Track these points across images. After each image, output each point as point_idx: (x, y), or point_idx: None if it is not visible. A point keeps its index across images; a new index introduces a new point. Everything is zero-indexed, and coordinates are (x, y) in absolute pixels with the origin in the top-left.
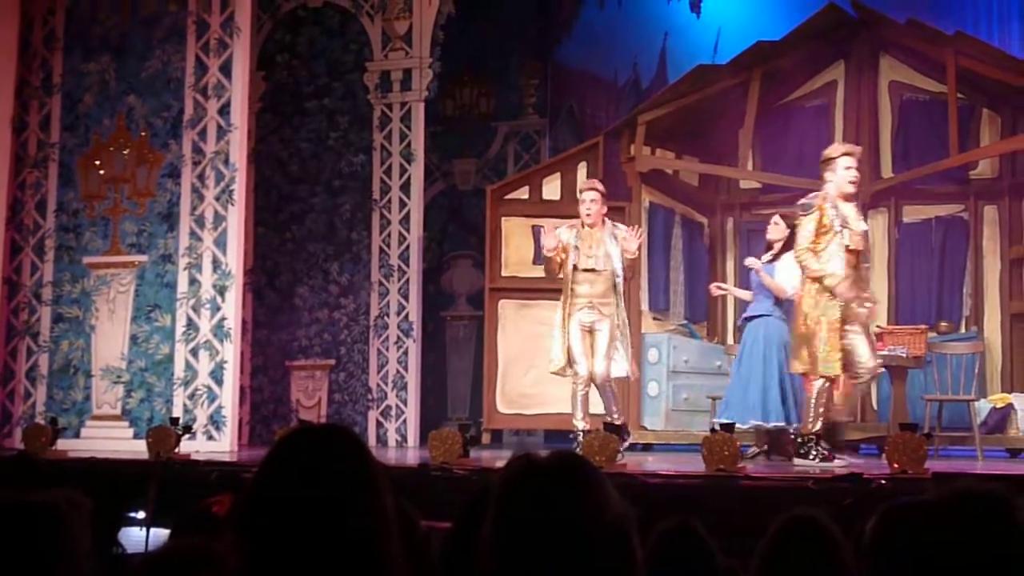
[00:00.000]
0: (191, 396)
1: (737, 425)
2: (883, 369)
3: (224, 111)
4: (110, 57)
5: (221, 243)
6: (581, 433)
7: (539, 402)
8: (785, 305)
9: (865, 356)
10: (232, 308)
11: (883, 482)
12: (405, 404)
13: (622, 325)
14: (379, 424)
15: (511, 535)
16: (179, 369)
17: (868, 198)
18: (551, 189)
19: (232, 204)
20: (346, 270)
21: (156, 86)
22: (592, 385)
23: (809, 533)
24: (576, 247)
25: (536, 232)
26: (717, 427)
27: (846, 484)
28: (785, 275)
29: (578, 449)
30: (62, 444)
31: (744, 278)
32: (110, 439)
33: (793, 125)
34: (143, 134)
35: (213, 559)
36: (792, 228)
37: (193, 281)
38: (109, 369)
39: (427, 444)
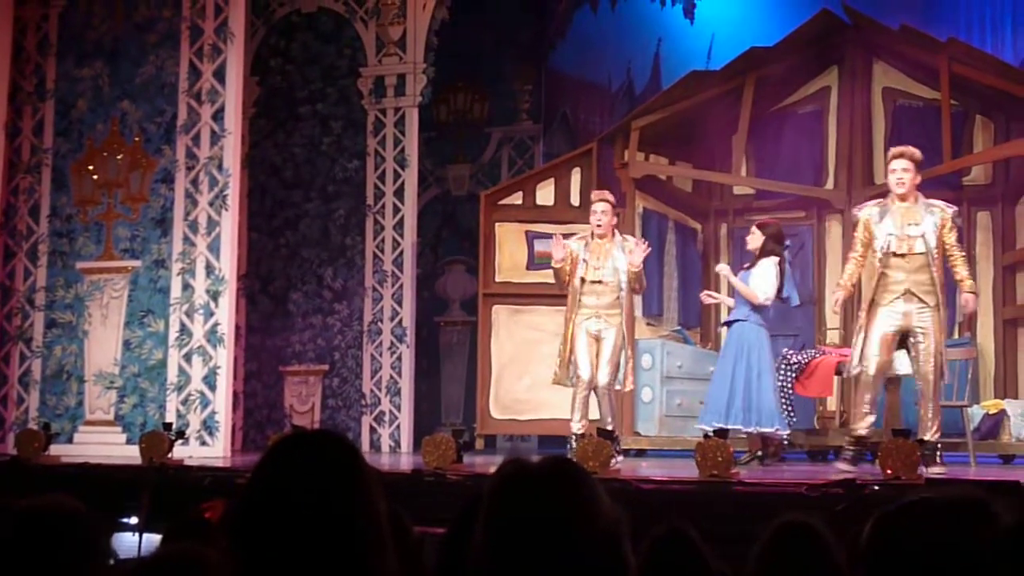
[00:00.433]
0: (184, 401)
1: (701, 426)
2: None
3: (218, 116)
4: (104, 62)
5: (215, 248)
6: (575, 436)
7: (533, 408)
8: (766, 311)
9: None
10: (225, 313)
11: (876, 488)
12: (399, 410)
13: (624, 337)
14: (372, 430)
15: (501, 541)
16: (172, 374)
17: (861, 204)
18: (545, 195)
19: (226, 209)
20: (340, 275)
21: (150, 91)
22: (593, 391)
23: (803, 539)
24: (584, 260)
25: (530, 239)
26: (709, 432)
27: (839, 490)
28: (758, 281)
29: (571, 454)
30: (55, 449)
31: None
32: (103, 444)
33: (786, 131)
34: (137, 139)
35: (205, 564)
36: (775, 236)
37: (186, 286)
38: (102, 374)
39: (421, 450)
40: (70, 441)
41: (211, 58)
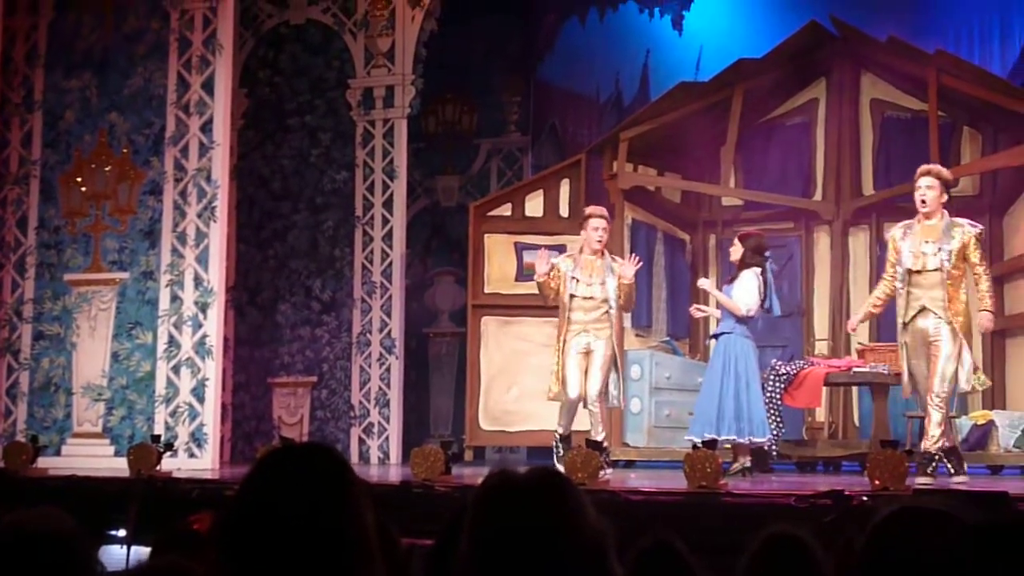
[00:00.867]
0: (172, 413)
1: (691, 438)
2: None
3: (206, 128)
4: (92, 74)
5: (203, 260)
6: (559, 439)
7: (521, 419)
8: (752, 323)
9: None
10: (214, 325)
11: (864, 499)
12: (387, 421)
13: (615, 350)
14: (361, 441)
15: (487, 552)
16: (160, 386)
17: (849, 215)
18: (534, 206)
19: (214, 221)
20: (328, 287)
21: (138, 103)
22: (583, 403)
23: (791, 550)
24: (575, 277)
25: (519, 250)
26: (698, 444)
27: (828, 501)
28: (740, 294)
29: (558, 458)
30: (43, 462)
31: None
32: (91, 457)
33: (775, 142)
34: (125, 151)
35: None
36: (756, 248)
37: (175, 298)
38: (90, 387)
39: (409, 461)
40: (58, 453)
41: (199, 70)
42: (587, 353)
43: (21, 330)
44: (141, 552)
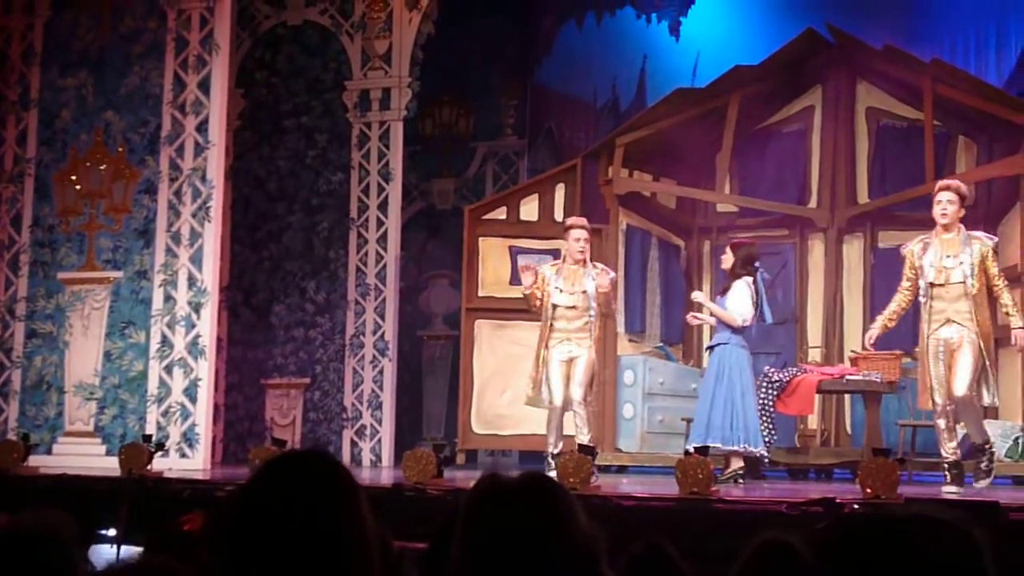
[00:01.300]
0: (164, 413)
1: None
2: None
3: (202, 128)
4: (88, 72)
5: (197, 260)
6: (552, 457)
7: (514, 423)
8: (747, 332)
9: None
10: (207, 325)
11: (856, 507)
12: (380, 423)
13: (594, 358)
14: (354, 443)
15: (478, 556)
16: (153, 386)
17: (844, 223)
18: (529, 210)
19: (208, 221)
20: (323, 288)
21: (134, 102)
22: (568, 410)
23: (782, 558)
24: (558, 287)
25: (514, 254)
26: (691, 450)
27: (819, 508)
28: (734, 304)
29: (550, 471)
30: (34, 460)
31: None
32: (82, 456)
33: (771, 149)
34: (120, 150)
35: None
36: (748, 258)
37: (168, 298)
38: (82, 385)
39: (401, 464)
40: (49, 452)
41: (196, 69)
42: (570, 361)
43: (14, 328)
44: (131, 552)
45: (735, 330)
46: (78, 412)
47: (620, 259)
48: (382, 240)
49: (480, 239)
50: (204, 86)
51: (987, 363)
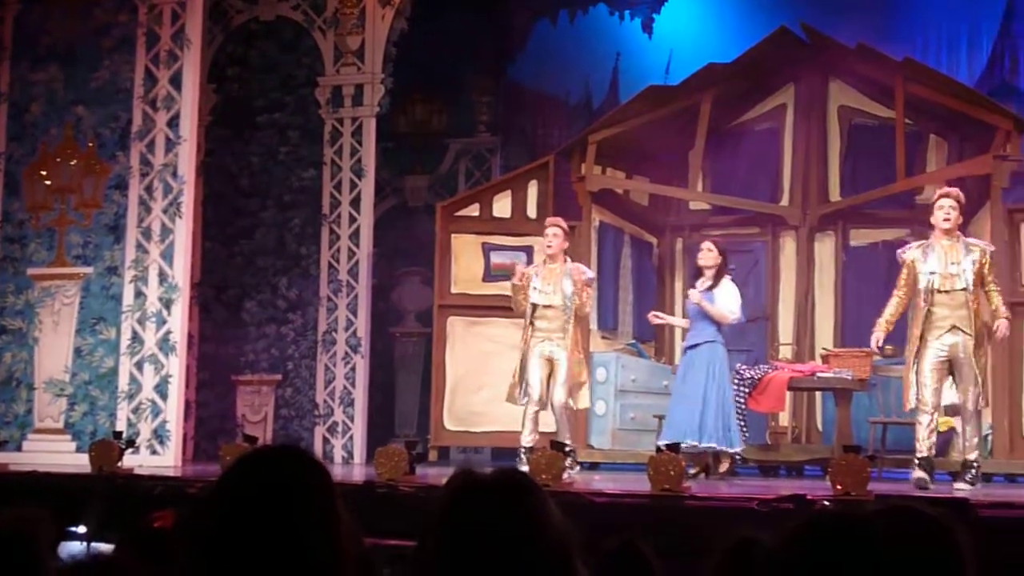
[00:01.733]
0: (135, 410)
1: (664, 443)
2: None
3: (173, 123)
4: (58, 67)
5: (168, 256)
6: (525, 450)
7: (487, 420)
8: (725, 329)
9: None
10: (178, 322)
11: (826, 503)
12: (352, 420)
13: (579, 358)
14: (325, 440)
15: (452, 553)
16: (123, 382)
17: (816, 221)
18: (502, 207)
19: (180, 217)
20: (295, 285)
21: (104, 96)
22: (545, 409)
23: (753, 556)
24: (536, 287)
25: (487, 251)
26: (662, 447)
27: (790, 505)
28: (726, 301)
29: (522, 466)
30: (3, 458)
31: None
32: (52, 452)
33: (743, 147)
34: (91, 144)
35: (125, 571)
36: (724, 254)
37: (139, 294)
38: (52, 382)
39: (373, 461)
40: (19, 449)
41: (167, 64)
42: (550, 360)
43: None
44: (102, 549)
45: (719, 328)
46: (48, 409)
47: (593, 256)
48: (354, 236)
49: (453, 236)
50: (176, 81)
51: (981, 368)
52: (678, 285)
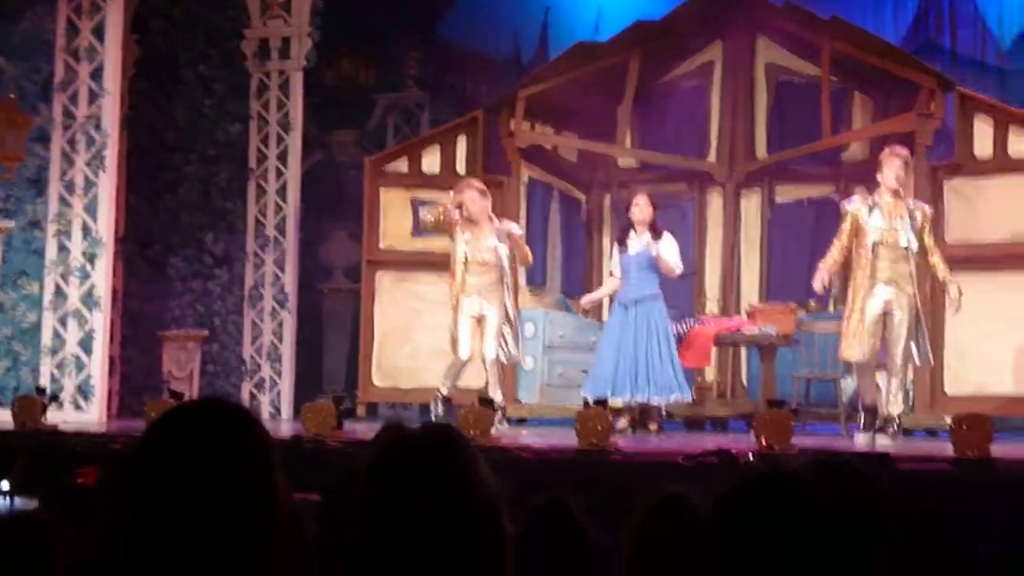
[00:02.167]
0: (59, 366)
1: (609, 397)
2: None
3: (96, 75)
4: None
5: (92, 210)
6: (440, 398)
7: (415, 376)
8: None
9: None
10: (102, 276)
11: (751, 457)
12: (279, 376)
13: (511, 315)
14: (253, 396)
15: (379, 508)
16: (47, 338)
17: (742, 178)
18: (430, 162)
19: (103, 170)
20: (221, 240)
21: (26, 48)
22: (471, 363)
23: (679, 512)
24: (466, 242)
25: (415, 206)
26: (591, 402)
27: (714, 460)
28: (672, 254)
29: (436, 417)
30: None
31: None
32: None
33: (671, 104)
34: (12, 96)
35: (42, 527)
36: (656, 208)
37: (62, 248)
38: None
39: (301, 416)
40: None
41: (90, 15)
42: (480, 318)
43: None
44: (25, 504)
45: (661, 282)
46: None
47: (522, 212)
48: (281, 191)
49: (381, 191)
50: (98, 32)
51: (921, 324)
52: (606, 241)
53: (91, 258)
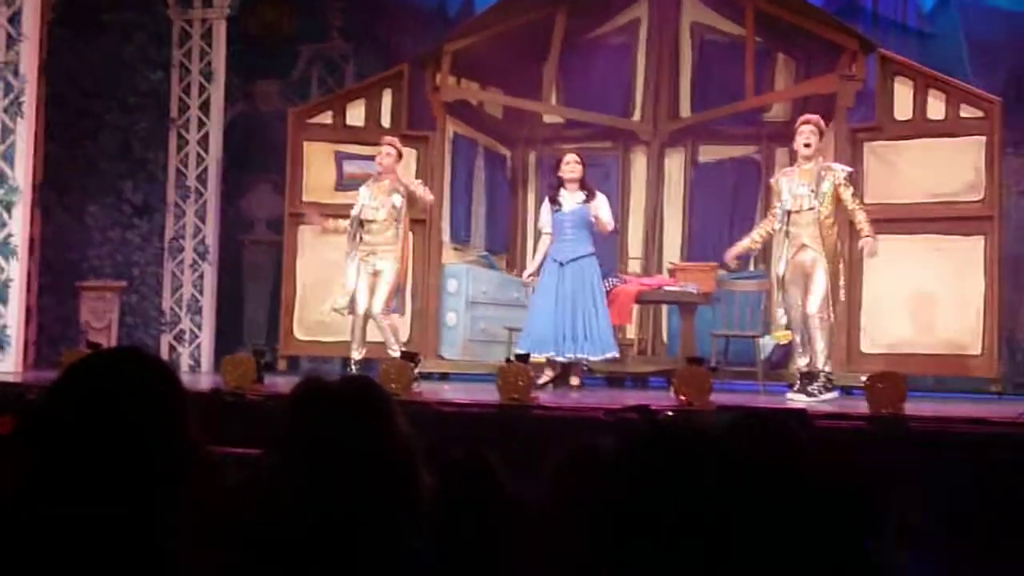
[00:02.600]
0: None
1: (536, 355)
2: None
3: (14, 20)
4: None
5: (8, 157)
6: (355, 363)
7: (337, 330)
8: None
9: None
10: (19, 225)
11: (670, 413)
12: (199, 328)
13: (402, 271)
14: (172, 348)
15: (297, 458)
16: None
17: (666, 137)
18: (355, 115)
19: (21, 117)
20: (140, 190)
21: None
22: (370, 320)
23: (590, 463)
24: (364, 203)
25: (339, 159)
26: (512, 357)
27: (634, 415)
28: (606, 212)
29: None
30: None
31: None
32: None
33: (597, 61)
34: None
35: None
36: (585, 166)
37: None
38: None
39: (221, 369)
40: None
41: None
42: (375, 274)
43: None
44: None
45: (594, 240)
46: None
47: (446, 168)
48: (203, 142)
49: (305, 143)
50: None
51: (836, 285)
52: (531, 197)
53: (8, 206)
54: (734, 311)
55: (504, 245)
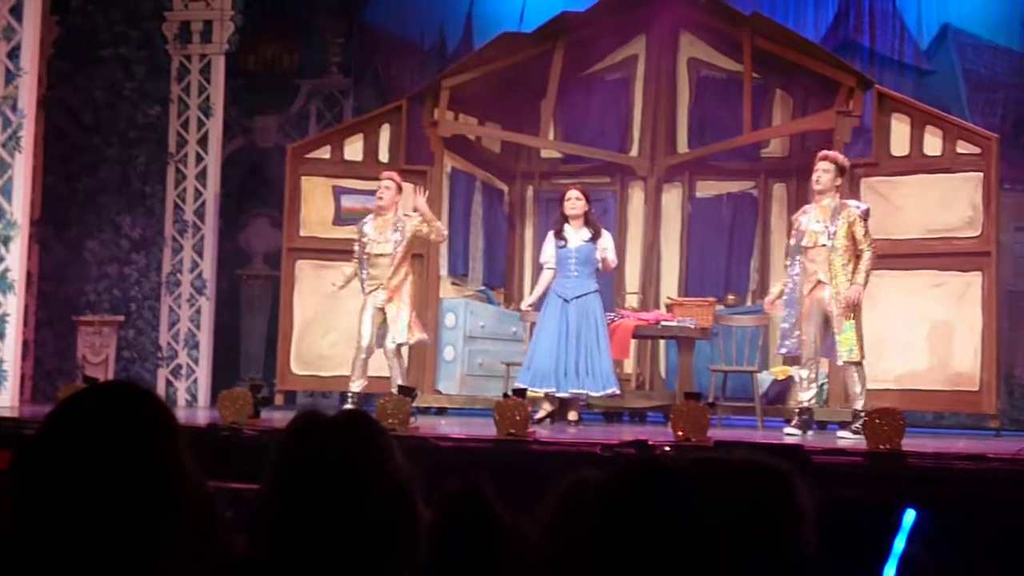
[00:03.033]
0: None
1: (535, 389)
2: None
3: (13, 55)
4: None
5: (7, 191)
6: (352, 396)
7: (335, 364)
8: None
9: None
10: (17, 259)
11: (667, 449)
12: (196, 363)
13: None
14: (169, 383)
15: (291, 492)
16: None
17: (663, 172)
18: (353, 150)
19: (19, 151)
20: (138, 224)
21: None
22: (374, 353)
23: (582, 495)
24: (369, 237)
25: (337, 194)
26: (510, 392)
27: (631, 450)
28: (610, 250)
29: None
30: None
31: (538, 247)
32: None
33: (594, 97)
34: None
35: None
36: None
37: None
38: None
39: (217, 404)
40: None
41: None
42: (383, 309)
43: None
44: None
45: (597, 278)
46: None
47: (444, 202)
48: (201, 176)
49: (303, 178)
50: (16, 11)
51: (860, 322)
52: (528, 232)
53: (5, 240)
54: (732, 346)
55: (502, 279)
